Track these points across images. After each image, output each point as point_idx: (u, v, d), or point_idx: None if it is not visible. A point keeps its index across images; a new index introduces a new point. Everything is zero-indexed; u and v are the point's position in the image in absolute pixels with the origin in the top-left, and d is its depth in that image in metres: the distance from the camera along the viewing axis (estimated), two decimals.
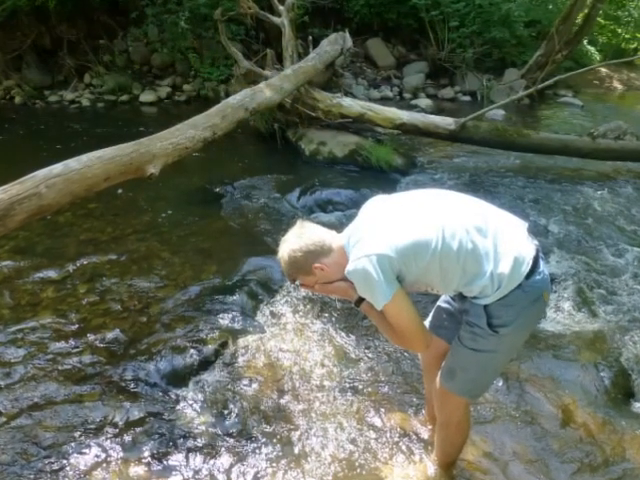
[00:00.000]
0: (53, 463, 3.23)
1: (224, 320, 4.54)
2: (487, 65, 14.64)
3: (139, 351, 4.18)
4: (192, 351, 4.13)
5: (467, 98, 14.27)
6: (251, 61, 10.02)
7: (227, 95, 10.29)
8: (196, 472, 3.23)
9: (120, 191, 6.95)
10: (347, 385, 3.88)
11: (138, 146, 4.81)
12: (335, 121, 8.84)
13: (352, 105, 8.75)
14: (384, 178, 7.91)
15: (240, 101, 6.54)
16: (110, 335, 4.35)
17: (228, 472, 3.23)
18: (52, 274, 5.21)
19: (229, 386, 3.85)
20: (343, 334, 4.41)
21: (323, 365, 4.06)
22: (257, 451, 3.35)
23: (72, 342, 4.26)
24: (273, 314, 4.69)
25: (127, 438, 3.42)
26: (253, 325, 4.52)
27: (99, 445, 3.36)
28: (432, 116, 8.98)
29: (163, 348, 4.16)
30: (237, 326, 4.48)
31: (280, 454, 3.33)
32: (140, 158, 4.75)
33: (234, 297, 4.86)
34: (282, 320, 4.61)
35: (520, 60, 14.62)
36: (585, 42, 16.51)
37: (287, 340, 4.33)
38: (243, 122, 6.90)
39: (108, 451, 3.33)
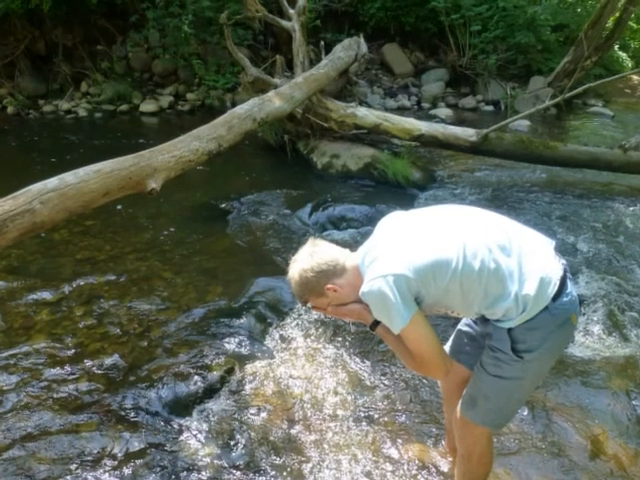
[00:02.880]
0: None
1: (230, 345, 4.56)
2: (511, 72, 14.69)
3: (139, 378, 4.21)
4: (196, 378, 4.15)
5: (490, 108, 14.30)
6: (259, 68, 10.13)
7: (234, 104, 10.45)
8: None
9: (119, 207, 7.02)
10: (362, 414, 3.90)
11: (138, 159, 4.86)
12: (349, 132, 8.90)
13: (367, 115, 8.80)
14: (401, 193, 7.95)
15: (248, 111, 6.59)
16: (108, 361, 4.38)
17: None
18: (47, 295, 5.25)
19: (236, 415, 3.87)
20: (358, 360, 4.43)
21: (336, 393, 4.08)
22: None
23: (68, 368, 4.29)
24: (283, 338, 4.72)
25: (127, 471, 3.44)
26: (261, 350, 4.55)
27: (97, 478, 3.38)
28: (452, 127, 9.03)
29: (165, 375, 4.19)
30: (244, 351, 4.51)
31: None
32: (140, 172, 4.79)
33: (241, 320, 4.89)
34: (292, 345, 4.63)
35: (546, 67, 14.66)
36: (616, 48, 16.54)
37: (298, 366, 4.36)
38: (251, 133, 6.94)
39: None
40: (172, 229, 6.73)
